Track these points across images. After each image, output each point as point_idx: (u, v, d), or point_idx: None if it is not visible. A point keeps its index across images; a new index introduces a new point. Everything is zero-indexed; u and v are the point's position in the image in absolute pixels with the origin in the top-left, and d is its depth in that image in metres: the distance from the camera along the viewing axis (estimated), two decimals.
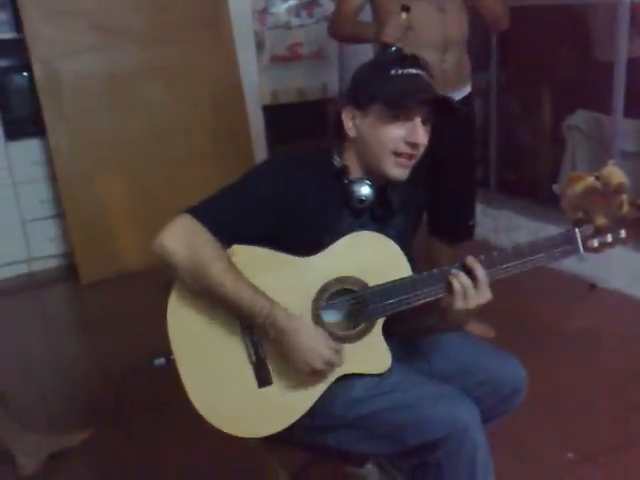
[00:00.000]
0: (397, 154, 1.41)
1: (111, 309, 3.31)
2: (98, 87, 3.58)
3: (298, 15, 4.05)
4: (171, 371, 1.42)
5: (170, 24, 3.69)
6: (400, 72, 1.39)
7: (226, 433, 1.41)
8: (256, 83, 4.05)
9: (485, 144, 3.71)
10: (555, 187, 1.50)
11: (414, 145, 1.40)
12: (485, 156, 3.73)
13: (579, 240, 1.39)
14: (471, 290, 1.34)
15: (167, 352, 1.42)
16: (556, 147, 3.62)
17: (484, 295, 1.35)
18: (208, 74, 3.80)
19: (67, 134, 3.52)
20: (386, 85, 1.38)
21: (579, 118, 3.40)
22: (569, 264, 3.21)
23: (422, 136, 1.40)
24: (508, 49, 3.64)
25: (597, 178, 1.39)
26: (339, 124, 1.45)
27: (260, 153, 4.07)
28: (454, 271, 1.36)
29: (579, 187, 1.42)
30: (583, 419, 2.25)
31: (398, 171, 1.43)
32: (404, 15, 2.14)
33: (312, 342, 1.35)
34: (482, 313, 2.43)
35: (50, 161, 3.58)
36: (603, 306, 2.99)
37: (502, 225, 3.49)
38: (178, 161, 3.72)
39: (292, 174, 1.41)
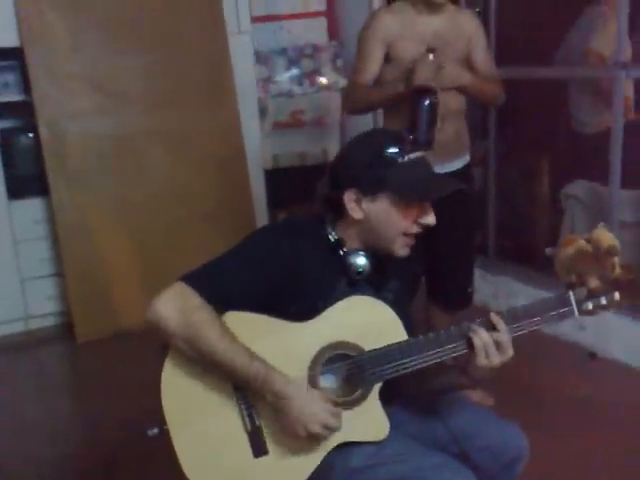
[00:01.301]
0: (407, 235, 1.44)
1: (106, 370, 3.26)
2: (102, 148, 3.63)
3: (300, 84, 4.15)
4: (165, 441, 1.39)
5: (174, 89, 3.78)
6: (407, 159, 1.41)
7: None
8: (258, 148, 4.12)
9: (484, 211, 3.74)
10: (548, 250, 1.51)
11: (426, 226, 1.44)
12: (484, 223, 3.76)
13: (574, 303, 1.40)
14: (492, 348, 1.35)
15: (161, 421, 1.40)
16: (554, 215, 3.67)
17: (508, 351, 1.36)
18: (211, 138, 3.86)
19: (70, 193, 3.55)
20: (396, 176, 1.39)
21: (577, 187, 3.45)
22: (569, 332, 3.20)
23: (433, 218, 1.44)
24: (507, 118, 3.71)
25: (588, 241, 1.40)
26: (336, 202, 1.45)
27: (261, 216, 4.11)
28: (474, 327, 1.37)
29: (571, 250, 1.43)
30: None
31: (405, 250, 1.46)
32: (431, 56, 2.16)
33: (310, 406, 1.34)
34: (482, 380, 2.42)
35: (52, 220, 3.60)
36: (603, 376, 2.95)
37: (501, 291, 3.49)
38: (179, 222, 3.75)
39: (288, 243, 1.42)
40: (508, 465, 1.47)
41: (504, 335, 1.35)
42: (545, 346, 3.16)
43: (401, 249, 1.45)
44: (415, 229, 1.44)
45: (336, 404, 1.38)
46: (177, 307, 1.34)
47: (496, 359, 1.35)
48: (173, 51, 3.76)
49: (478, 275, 3.22)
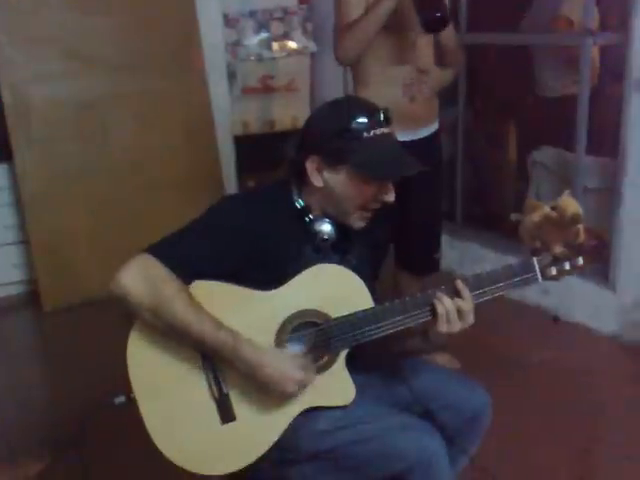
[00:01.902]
0: (365, 209, 1.44)
1: (73, 338, 3.25)
2: (67, 113, 3.56)
3: (270, 48, 4.09)
4: (132, 409, 1.39)
5: (141, 53, 3.70)
6: (372, 134, 1.38)
7: (189, 471, 1.39)
8: (228, 113, 4.07)
9: (452, 178, 3.76)
10: (513, 216, 1.53)
11: (384, 202, 1.44)
12: (452, 190, 3.79)
13: (537, 268, 1.42)
14: (454, 315, 1.37)
15: (128, 389, 1.40)
16: (521, 182, 3.71)
17: (468, 319, 1.38)
18: (179, 103, 3.81)
19: (34, 159, 3.49)
20: (359, 150, 1.38)
21: (543, 154, 3.48)
22: (534, 296, 3.27)
23: (393, 196, 1.44)
24: (476, 85, 3.72)
25: (553, 208, 1.43)
26: (300, 167, 1.43)
27: (230, 182, 4.08)
28: (439, 294, 1.38)
29: (536, 216, 1.46)
30: (546, 451, 2.27)
31: (361, 223, 1.46)
32: None
33: (280, 367, 1.35)
34: (447, 344, 2.47)
35: (16, 186, 3.53)
36: (566, 339, 3.04)
37: (467, 257, 3.54)
38: (146, 189, 3.70)
39: (253, 211, 1.42)
40: (471, 421, 1.50)
41: (467, 303, 1.37)
42: (510, 310, 3.23)
43: (357, 222, 1.46)
44: (373, 205, 1.44)
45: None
46: (142, 278, 1.33)
47: (457, 326, 1.37)
48: (140, 14, 3.68)
49: (445, 241, 3.26)
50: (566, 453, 2.27)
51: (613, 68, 3.01)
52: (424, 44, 2.41)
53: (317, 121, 1.45)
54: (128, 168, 3.69)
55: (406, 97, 2.38)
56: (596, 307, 3.04)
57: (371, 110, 1.41)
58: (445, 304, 1.37)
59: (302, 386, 1.37)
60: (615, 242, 2.92)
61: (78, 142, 3.59)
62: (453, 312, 1.37)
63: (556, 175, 3.36)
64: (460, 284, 1.39)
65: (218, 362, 1.39)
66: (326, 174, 1.41)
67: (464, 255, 3.50)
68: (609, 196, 2.96)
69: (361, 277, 1.46)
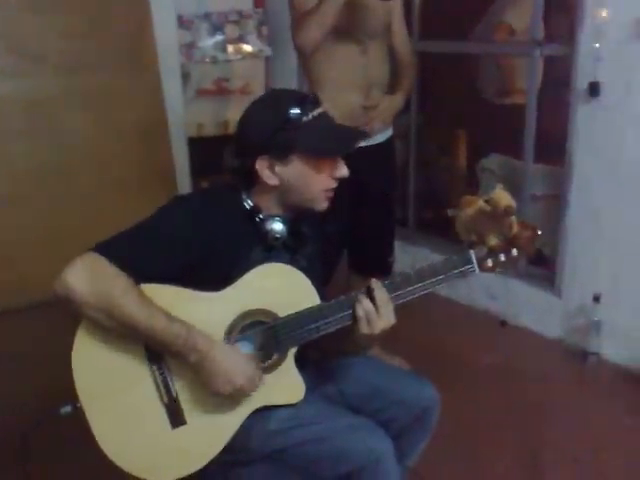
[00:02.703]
0: (326, 190, 1.47)
1: (18, 344, 3.15)
2: (13, 112, 3.48)
3: (224, 51, 4.07)
4: (79, 418, 1.37)
5: (93, 52, 3.65)
6: (310, 117, 1.41)
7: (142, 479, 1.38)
8: (181, 115, 4.04)
9: (404, 184, 3.82)
10: (449, 211, 1.57)
11: (341, 179, 1.46)
12: (404, 195, 3.84)
13: (474, 260, 1.46)
14: (374, 315, 1.38)
15: (74, 398, 1.37)
16: (471, 188, 3.78)
17: (388, 319, 1.39)
18: (132, 103, 3.76)
19: None
20: (303, 135, 1.39)
21: (492, 161, 3.57)
22: (482, 301, 3.34)
23: (346, 169, 1.47)
24: (428, 93, 3.78)
25: (487, 202, 1.46)
26: (247, 170, 1.44)
27: (184, 185, 4.05)
28: (359, 296, 1.40)
29: (471, 210, 1.49)
30: (492, 452, 2.32)
31: (325, 204, 1.49)
32: None
33: (233, 361, 1.36)
34: (396, 347, 2.51)
35: None
36: (513, 342, 3.10)
37: (419, 261, 3.54)
38: (97, 190, 3.65)
39: (203, 212, 1.42)
40: (421, 415, 1.54)
41: (384, 303, 1.39)
42: (459, 314, 3.31)
43: (322, 203, 1.48)
44: (333, 183, 1.46)
45: None
46: (89, 277, 1.30)
47: (377, 327, 1.39)
48: (92, 12, 3.61)
49: (398, 246, 3.29)
50: (513, 455, 2.31)
51: (559, 77, 3.09)
52: (377, 52, 2.45)
53: (252, 123, 1.45)
54: (79, 168, 3.63)
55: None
56: (542, 312, 3.12)
57: (300, 95, 1.45)
58: (364, 306, 1.39)
59: (250, 382, 1.37)
60: (561, 248, 3.00)
61: (25, 141, 3.51)
62: (372, 313, 1.39)
63: (504, 182, 3.43)
64: (374, 284, 1.40)
65: (167, 365, 1.38)
66: (278, 169, 1.42)
67: (416, 259, 3.54)
68: (556, 203, 3.05)
69: (311, 277, 1.47)
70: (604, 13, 2.62)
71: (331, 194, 1.48)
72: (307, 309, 1.42)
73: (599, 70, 2.67)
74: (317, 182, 1.44)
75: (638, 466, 2.23)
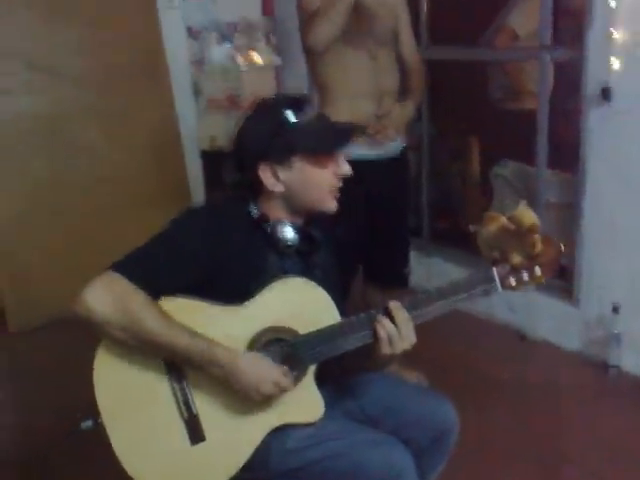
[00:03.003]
0: (332, 190, 1.48)
1: (40, 360, 3.18)
2: (33, 128, 3.51)
3: (234, 61, 4.08)
4: (100, 433, 1.38)
5: (108, 67, 3.68)
6: (305, 118, 1.44)
7: None
8: (194, 128, 4.07)
9: (418, 194, 3.81)
10: (472, 227, 1.57)
11: (344, 176, 1.48)
12: (418, 205, 3.83)
13: (497, 278, 1.45)
14: (396, 337, 1.38)
15: (95, 413, 1.39)
16: (484, 196, 3.76)
17: (409, 339, 1.40)
18: (145, 119, 3.79)
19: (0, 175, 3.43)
20: (301, 136, 1.42)
21: (505, 168, 3.54)
22: (501, 315, 3.30)
23: (348, 167, 1.48)
24: (438, 100, 3.77)
25: (510, 219, 1.45)
26: (251, 179, 1.45)
27: (198, 198, 4.06)
28: (379, 317, 1.40)
29: (493, 227, 1.48)
30: (513, 468, 2.29)
31: (334, 203, 1.50)
32: None
33: (259, 369, 1.37)
34: (415, 362, 2.49)
35: None
36: (532, 356, 3.07)
37: (434, 272, 3.56)
38: (114, 205, 3.68)
39: (214, 224, 1.43)
40: (439, 438, 1.53)
41: (405, 325, 1.39)
42: (479, 329, 3.27)
43: (331, 203, 1.49)
44: (338, 182, 1.48)
45: None
46: (109, 297, 1.32)
47: (399, 347, 1.39)
48: (106, 27, 3.64)
49: (412, 257, 3.28)
50: (535, 470, 2.29)
51: (570, 82, 3.08)
52: (386, 59, 2.45)
53: (249, 133, 1.47)
54: (96, 184, 3.65)
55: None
56: (560, 323, 3.08)
57: (293, 98, 1.47)
58: (385, 327, 1.39)
59: (279, 388, 1.38)
60: (577, 257, 2.97)
61: (44, 157, 3.54)
62: (394, 335, 1.38)
63: (518, 189, 3.42)
64: (393, 305, 1.40)
65: (188, 380, 1.39)
66: (282, 175, 1.44)
67: (431, 270, 3.53)
68: (570, 210, 3.03)
69: (327, 288, 1.47)
70: (613, 16, 2.60)
71: (338, 194, 1.49)
72: (328, 327, 1.43)
73: (611, 75, 2.65)
74: (322, 181, 1.46)
75: None
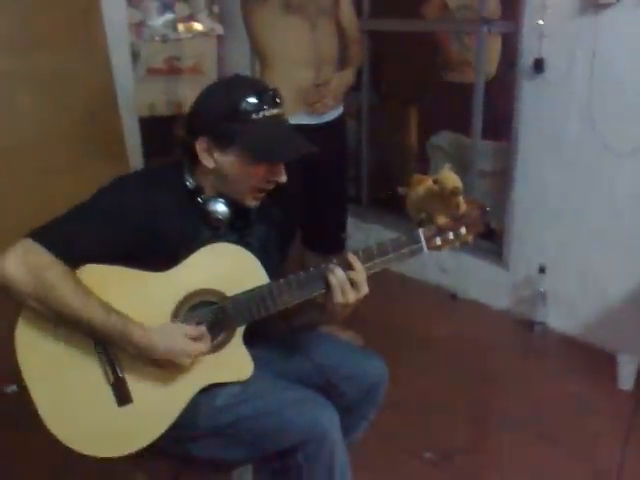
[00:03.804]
0: (257, 190, 1.46)
1: None
2: None
3: (175, 29, 4.02)
4: (24, 397, 1.37)
5: (38, 29, 3.55)
6: (261, 115, 1.39)
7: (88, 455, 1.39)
8: (132, 94, 3.98)
9: (357, 162, 3.84)
10: (400, 189, 1.60)
11: (276, 182, 1.46)
12: (357, 174, 3.86)
13: (422, 239, 1.47)
14: (348, 285, 1.40)
15: (18, 377, 1.37)
16: (422, 165, 3.83)
17: (363, 289, 1.41)
18: (80, 81, 3.68)
19: None
20: (248, 132, 1.38)
21: (442, 138, 3.61)
22: (433, 276, 3.40)
23: (284, 177, 1.45)
24: (379, 71, 3.80)
25: (435, 182, 1.49)
26: (191, 148, 1.43)
27: (136, 165, 3.98)
28: (331, 266, 1.41)
29: (420, 190, 1.52)
30: (443, 419, 2.40)
31: (254, 202, 1.48)
32: None
33: (171, 344, 1.36)
34: (350, 322, 2.55)
35: None
36: (463, 315, 3.20)
37: (373, 238, 3.59)
38: (48, 171, 3.55)
39: (146, 193, 1.40)
40: (370, 390, 1.58)
41: (359, 274, 1.41)
42: (412, 289, 3.38)
43: (250, 201, 1.47)
44: (265, 185, 1.46)
45: None
46: (25, 266, 1.29)
47: (351, 296, 1.41)
48: None
49: (352, 223, 3.33)
50: (462, 420, 2.40)
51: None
52: (326, 28, 2.45)
53: (205, 102, 1.44)
54: (29, 149, 3.54)
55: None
56: (490, 284, 3.21)
57: (260, 90, 1.41)
58: (338, 276, 1.41)
59: (195, 357, 1.38)
60: (507, 222, 3.08)
61: None
62: (346, 283, 1.40)
63: (454, 159, 3.49)
64: (352, 256, 1.42)
65: (111, 346, 1.38)
66: (216, 155, 1.42)
67: (369, 236, 3.59)
68: (503, 178, 3.11)
69: (263, 257, 1.48)
70: None
71: (262, 195, 1.47)
72: (257, 288, 1.43)
73: (543, 46, 2.72)
74: (248, 181, 1.44)
75: (581, 429, 2.33)
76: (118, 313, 1.34)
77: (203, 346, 1.39)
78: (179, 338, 1.37)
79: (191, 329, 1.38)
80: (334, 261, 1.43)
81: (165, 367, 1.39)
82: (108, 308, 1.33)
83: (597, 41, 2.56)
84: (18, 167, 3.52)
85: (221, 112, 1.39)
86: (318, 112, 2.43)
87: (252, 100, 1.38)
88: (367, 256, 1.44)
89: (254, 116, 1.38)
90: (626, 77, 2.53)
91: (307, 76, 2.41)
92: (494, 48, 3.65)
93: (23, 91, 3.52)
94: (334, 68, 2.54)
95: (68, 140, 3.65)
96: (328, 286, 1.42)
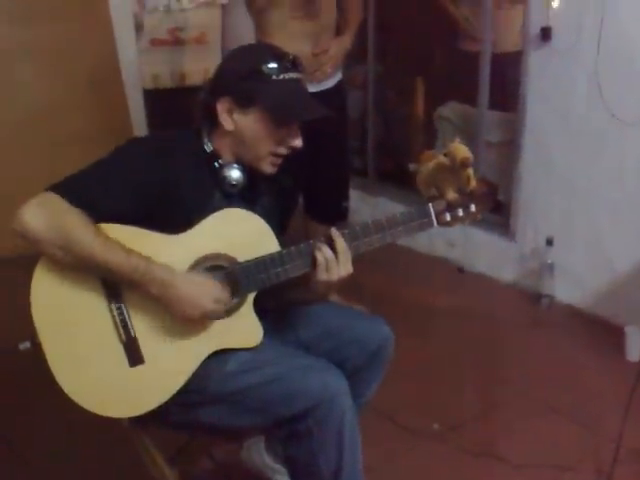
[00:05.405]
0: (275, 155, 1.47)
1: None
2: None
3: (179, 1, 3.97)
4: (38, 355, 1.38)
5: (45, 2, 3.53)
6: (282, 77, 1.42)
7: (98, 415, 1.40)
8: (135, 65, 3.95)
9: (363, 134, 3.81)
10: (411, 166, 1.60)
11: (293, 148, 1.47)
12: (363, 146, 3.84)
13: (433, 214, 1.48)
14: (333, 262, 1.41)
15: (33, 334, 1.38)
16: (429, 137, 3.79)
17: (345, 268, 1.42)
18: (84, 54, 3.67)
19: None
20: (269, 92, 1.41)
21: (449, 109, 3.58)
22: (441, 249, 3.40)
23: (300, 141, 1.48)
24: (385, 41, 3.75)
25: (445, 155, 1.48)
26: (211, 110, 1.45)
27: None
28: (319, 244, 1.42)
29: (431, 165, 1.52)
30: (450, 390, 2.41)
31: (272, 169, 1.50)
32: None
33: (197, 285, 1.38)
34: (357, 294, 2.56)
35: None
36: (470, 288, 3.19)
37: (379, 212, 3.60)
38: (53, 144, 3.57)
39: (162, 156, 1.41)
40: (375, 353, 1.59)
41: (343, 252, 1.42)
42: (419, 262, 3.38)
43: (268, 167, 1.49)
44: (282, 150, 1.47)
45: None
46: (45, 212, 1.31)
47: (335, 275, 1.42)
48: None
49: (358, 196, 3.33)
50: (469, 391, 2.41)
51: None
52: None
53: (229, 64, 1.48)
54: (35, 123, 3.54)
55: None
56: (497, 257, 3.20)
57: (281, 55, 1.45)
58: (323, 253, 1.42)
59: (219, 304, 1.39)
60: (515, 194, 3.06)
61: None
62: (331, 260, 1.41)
63: (461, 130, 3.47)
64: (335, 233, 1.43)
65: (126, 304, 1.39)
66: (236, 116, 1.43)
67: (376, 209, 3.58)
68: (510, 149, 3.09)
69: (269, 224, 1.48)
70: None
71: (279, 161, 1.49)
72: (268, 255, 1.44)
73: (550, 14, 2.68)
74: (267, 143, 1.45)
75: (588, 400, 2.34)
76: (138, 253, 1.34)
77: (227, 296, 1.40)
78: (205, 282, 1.39)
79: (213, 282, 1.40)
80: (321, 238, 1.43)
81: (177, 325, 1.40)
82: (128, 249, 1.34)
83: (605, 9, 2.51)
84: (22, 139, 3.52)
85: (243, 73, 1.42)
86: (317, 80, 2.42)
87: (274, 62, 1.42)
88: (373, 229, 1.45)
89: (274, 77, 1.41)
90: (635, 45, 2.49)
91: (306, 47, 2.40)
92: (513, 21, 3.58)
93: (25, 62, 3.51)
94: (332, 35, 2.53)
95: (72, 111, 3.65)
96: (314, 263, 1.43)
